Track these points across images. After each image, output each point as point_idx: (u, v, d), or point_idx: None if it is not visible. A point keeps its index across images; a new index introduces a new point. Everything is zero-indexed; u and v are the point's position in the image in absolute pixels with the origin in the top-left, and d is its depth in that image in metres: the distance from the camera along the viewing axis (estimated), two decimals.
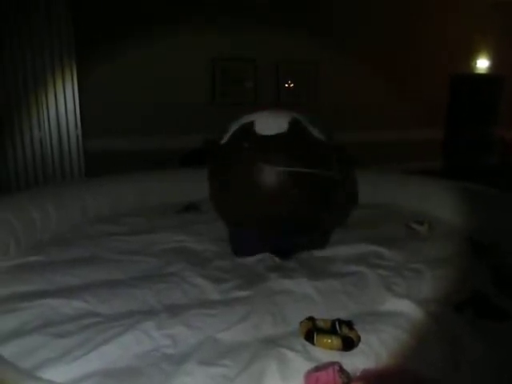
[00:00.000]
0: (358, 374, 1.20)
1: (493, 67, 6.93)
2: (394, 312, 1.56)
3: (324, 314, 1.54)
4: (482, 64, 6.88)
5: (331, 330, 1.39)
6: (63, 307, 1.58)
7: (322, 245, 2.29)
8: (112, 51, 4.65)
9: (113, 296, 1.68)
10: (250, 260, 2.09)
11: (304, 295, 1.72)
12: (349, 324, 1.41)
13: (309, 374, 1.18)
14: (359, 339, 1.34)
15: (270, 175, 2.00)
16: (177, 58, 4.99)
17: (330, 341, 1.31)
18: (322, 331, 1.37)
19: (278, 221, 2.07)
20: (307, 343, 1.34)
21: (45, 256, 2.10)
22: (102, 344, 1.34)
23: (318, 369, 1.20)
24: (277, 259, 2.10)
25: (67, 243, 2.31)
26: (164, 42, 4.90)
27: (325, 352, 1.30)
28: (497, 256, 2.08)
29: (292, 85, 5.68)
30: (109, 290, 1.73)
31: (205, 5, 5.00)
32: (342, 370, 1.18)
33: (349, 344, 1.31)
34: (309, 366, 1.23)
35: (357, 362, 1.26)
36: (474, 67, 6.89)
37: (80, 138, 4.45)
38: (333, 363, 1.20)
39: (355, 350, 1.31)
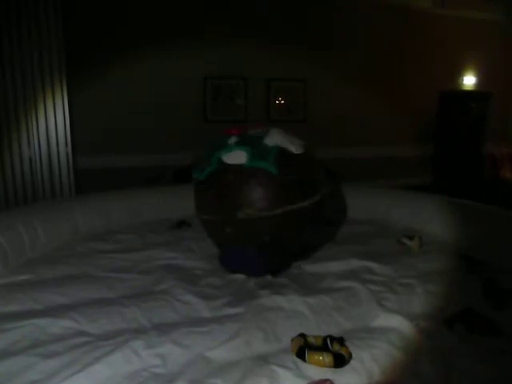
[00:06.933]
0: None
1: (479, 84, 7.06)
2: (386, 328, 1.55)
3: (315, 330, 1.53)
4: (469, 81, 7.01)
5: (323, 347, 1.38)
6: (51, 327, 1.55)
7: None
8: (103, 68, 4.68)
9: (102, 315, 1.66)
10: (241, 277, 2.08)
11: (295, 311, 1.70)
12: (340, 340, 1.41)
13: None
14: (350, 356, 1.33)
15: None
16: (168, 75, 5.02)
17: (321, 358, 1.29)
18: (314, 348, 1.36)
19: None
20: (299, 360, 1.33)
21: (33, 275, 2.07)
22: (91, 364, 1.31)
23: None
24: (268, 276, 2.09)
25: (56, 261, 2.27)
26: (156, 60, 4.94)
27: (316, 369, 1.29)
28: (488, 271, 2.09)
29: (282, 101, 5.73)
30: (98, 309, 1.70)
31: (196, 24, 5.06)
32: None
33: (340, 361, 1.29)
34: (300, 383, 1.22)
35: (349, 378, 1.25)
36: (461, 84, 7.02)
37: (70, 155, 4.44)
38: (324, 380, 1.19)
39: (347, 367, 1.30)
